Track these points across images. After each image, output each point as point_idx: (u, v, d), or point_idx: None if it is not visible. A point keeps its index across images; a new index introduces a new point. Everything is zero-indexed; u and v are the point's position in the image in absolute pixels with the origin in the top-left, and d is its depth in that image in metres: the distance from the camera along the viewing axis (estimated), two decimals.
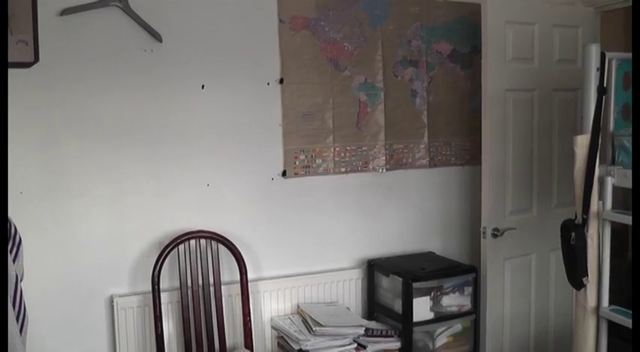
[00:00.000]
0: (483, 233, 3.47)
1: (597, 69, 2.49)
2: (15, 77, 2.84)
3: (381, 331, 3.38)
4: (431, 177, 3.87)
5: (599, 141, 2.49)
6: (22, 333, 2.17)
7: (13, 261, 2.16)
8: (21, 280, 2.19)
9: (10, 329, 2.05)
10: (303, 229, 3.55)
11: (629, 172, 2.43)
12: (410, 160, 3.78)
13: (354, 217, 3.68)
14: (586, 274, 2.51)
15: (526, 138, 3.56)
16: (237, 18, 3.30)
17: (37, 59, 2.90)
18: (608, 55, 2.48)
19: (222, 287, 3.24)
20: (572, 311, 2.75)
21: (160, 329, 3.07)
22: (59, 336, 3.05)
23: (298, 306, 3.47)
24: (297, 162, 3.49)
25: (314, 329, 3.22)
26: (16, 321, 2.12)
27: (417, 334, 3.37)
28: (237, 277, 3.25)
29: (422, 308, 3.36)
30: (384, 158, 3.70)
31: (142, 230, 3.19)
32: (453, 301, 3.46)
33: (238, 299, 3.27)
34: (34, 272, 2.74)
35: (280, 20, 3.39)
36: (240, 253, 3.25)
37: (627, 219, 2.41)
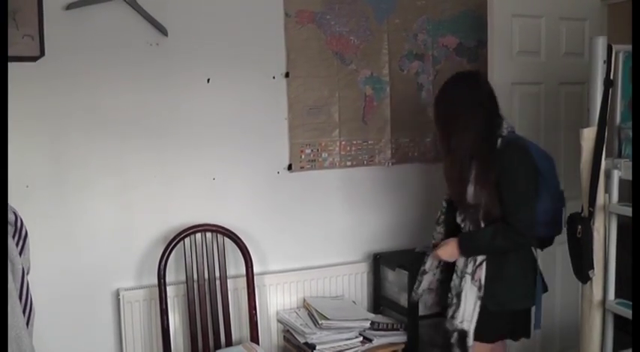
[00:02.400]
0: None
1: (604, 61, 2.48)
2: (21, 71, 2.86)
3: (387, 325, 3.38)
4: (437, 170, 3.85)
5: (606, 134, 2.48)
6: (29, 326, 2.18)
7: (20, 254, 2.16)
8: (27, 273, 2.20)
9: (17, 322, 2.05)
10: (309, 223, 3.56)
11: None
12: (416, 154, 3.77)
13: (359, 211, 3.68)
14: (592, 267, 2.50)
15: (532, 132, 3.52)
16: (243, 11, 3.30)
17: (42, 53, 2.91)
18: (615, 47, 2.47)
19: (228, 280, 3.25)
20: (578, 304, 2.75)
21: (165, 323, 3.08)
22: (65, 329, 3.07)
23: (304, 300, 3.48)
24: (302, 156, 3.49)
25: (320, 322, 3.22)
26: (22, 314, 2.13)
27: (423, 328, 3.37)
28: (243, 271, 3.26)
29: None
30: (390, 152, 3.69)
31: (148, 223, 3.20)
32: None
33: (244, 292, 3.28)
34: (41, 265, 2.75)
35: (286, 14, 3.39)
36: (246, 247, 3.25)
37: None
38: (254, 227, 3.41)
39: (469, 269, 2.63)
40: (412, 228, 3.81)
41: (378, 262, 3.63)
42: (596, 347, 2.58)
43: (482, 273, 2.60)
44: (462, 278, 2.64)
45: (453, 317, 2.64)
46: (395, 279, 3.50)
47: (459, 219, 2.72)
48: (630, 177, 2.44)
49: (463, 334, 2.61)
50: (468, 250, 2.64)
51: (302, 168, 3.49)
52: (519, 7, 3.40)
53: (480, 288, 2.60)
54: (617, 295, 2.56)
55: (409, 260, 3.49)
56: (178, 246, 3.15)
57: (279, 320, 3.44)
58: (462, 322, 2.61)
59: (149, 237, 3.21)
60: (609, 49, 2.47)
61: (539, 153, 2.67)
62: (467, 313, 2.60)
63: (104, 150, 3.09)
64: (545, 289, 2.75)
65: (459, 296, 2.64)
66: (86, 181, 3.08)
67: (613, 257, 2.55)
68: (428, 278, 2.88)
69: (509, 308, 2.64)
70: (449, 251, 2.70)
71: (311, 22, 3.45)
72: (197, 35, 3.21)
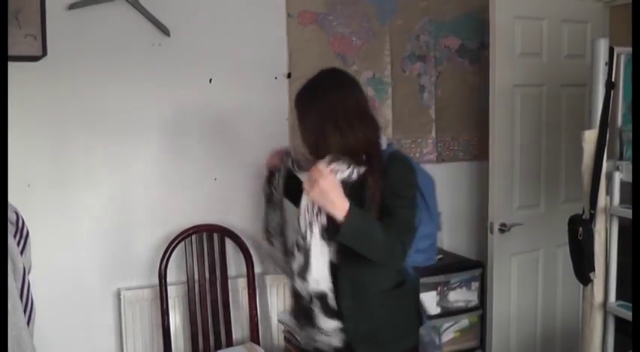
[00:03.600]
0: (490, 228, 3.46)
1: (605, 63, 2.47)
2: (23, 71, 2.86)
3: None
4: (438, 172, 3.82)
5: (607, 136, 2.48)
6: (30, 325, 2.19)
7: (21, 253, 2.17)
8: (28, 272, 2.20)
9: (18, 321, 2.06)
10: None
11: None
12: (417, 155, 3.77)
13: None
14: (593, 269, 2.50)
15: (534, 134, 3.54)
16: (246, 12, 3.31)
17: (45, 53, 2.91)
18: (616, 49, 2.47)
19: (229, 281, 3.25)
20: (579, 306, 2.74)
21: (166, 323, 3.08)
22: (66, 329, 3.06)
23: None
24: None
25: None
26: (23, 313, 2.13)
27: (424, 329, 3.36)
28: (244, 271, 3.26)
29: (429, 303, 3.34)
30: None
31: (149, 223, 3.20)
32: (459, 296, 3.46)
33: (245, 293, 3.28)
34: (42, 264, 2.74)
35: (288, 14, 3.39)
36: (247, 247, 3.25)
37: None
38: (255, 227, 3.39)
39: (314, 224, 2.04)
40: None
41: None
42: (596, 349, 2.58)
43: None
44: (307, 231, 2.05)
45: (303, 277, 2.06)
46: None
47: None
48: (631, 180, 2.44)
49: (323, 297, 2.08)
50: (356, 216, 1.95)
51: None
52: (521, 9, 3.40)
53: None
54: (619, 297, 2.56)
55: None
56: (179, 246, 3.15)
57: (279, 321, 3.44)
58: (317, 282, 2.06)
59: (150, 237, 3.21)
60: (611, 51, 2.47)
61: (420, 170, 2.31)
62: (320, 271, 2.05)
63: (106, 150, 3.10)
64: (420, 322, 2.37)
65: (306, 253, 2.05)
66: (88, 181, 3.08)
67: (614, 259, 2.54)
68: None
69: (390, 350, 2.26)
70: (333, 198, 1.94)
71: (313, 23, 3.45)
72: (199, 35, 3.21)
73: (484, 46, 3.69)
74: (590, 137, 2.49)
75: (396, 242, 2.02)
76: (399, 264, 2.16)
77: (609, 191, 2.53)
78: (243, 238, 3.25)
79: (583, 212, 2.54)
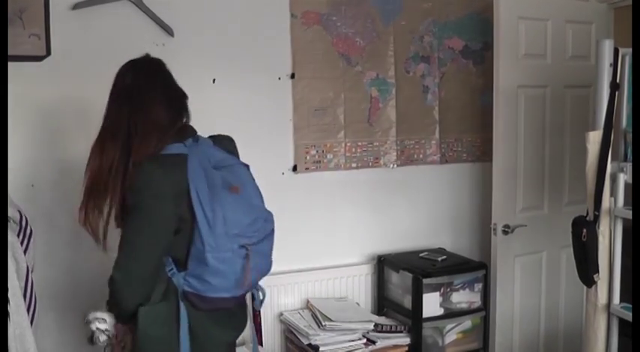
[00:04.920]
0: (494, 229, 3.46)
1: (610, 64, 2.47)
2: (27, 71, 2.86)
3: (391, 327, 3.37)
4: (442, 173, 3.86)
5: (612, 137, 2.47)
6: (33, 324, 2.19)
7: (24, 252, 2.17)
8: (32, 271, 2.21)
9: (21, 320, 2.06)
10: (314, 224, 3.55)
11: None
12: (421, 156, 3.77)
13: (364, 213, 3.68)
14: (597, 271, 2.50)
15: (538, 135, 3.54)
16: (249, 12, 3.31)
17: (48, 53, 2.91)
18: (621, 50, 2.46)
19: None
20: (583, 308, 2.74)
21: None
22: (69, 329, 3.06)
23: (308, 301, 3.47)
24: (307, 157, 3.49)
25: (323, 324, 3.22)
26: (27, 312, 2.14)
27: (427, 330, 3.36)
28: None
29: (431, 304, 3.35)
30: (395, 154, 3.69)
31: None
32: (462, 297, 3.45)
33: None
34: (45, 264, 2.76)
35: (292, 15, 3.39)
36: None
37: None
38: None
39: None
40: (417, 230, 3.81)
41: (382, 264, 3.62)
42: (600, 351, 2.57)
43: None
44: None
45: None
46: (399, 281, 3.50)
47: None
48: (631, 181, 2.43)
49: None
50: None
51: (307, 169, 3.49)
52: (525, 10, 3.41)
53: None
54: (622, 299, 2.55)
55: (413, 262, 3.49)
56: None
57: (282, 321, 3.44)
58: None
59: None
60: (616, 52, 2.46)
61: (192, 168, 2.01)
62: None
63: None
64: None
65: None
66: None
67: (618, 261, 2.54)
68: None
69: None
70: None
71: (317, 24, 3.45)
72: (203, 36, 3.21)
73: (488, 46, 3.69)
74: (594, 138, 2.49)
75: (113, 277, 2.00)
76: (121, 307, 2.03)
77: (613, 192, 2.52)
78: None
79: (587, 213, 2.54)
